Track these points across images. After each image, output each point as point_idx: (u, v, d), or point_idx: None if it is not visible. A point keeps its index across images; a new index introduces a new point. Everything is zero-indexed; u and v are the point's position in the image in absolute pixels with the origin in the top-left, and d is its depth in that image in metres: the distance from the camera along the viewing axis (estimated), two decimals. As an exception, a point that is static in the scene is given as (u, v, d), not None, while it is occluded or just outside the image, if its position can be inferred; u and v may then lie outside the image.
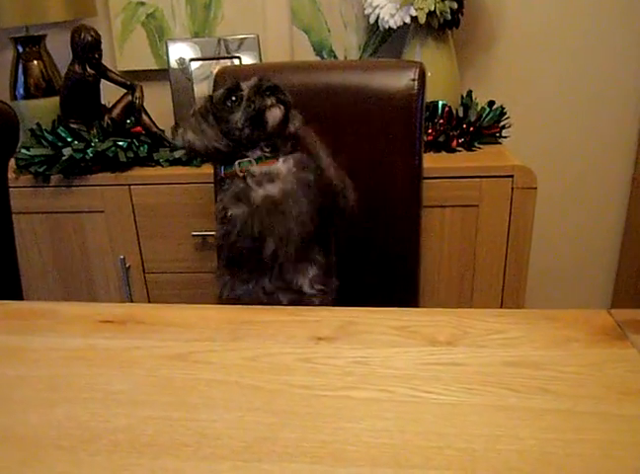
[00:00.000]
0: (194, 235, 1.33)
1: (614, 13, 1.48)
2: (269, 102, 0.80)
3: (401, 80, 0.95)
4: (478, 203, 1.26)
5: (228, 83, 0.85)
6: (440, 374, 0.55)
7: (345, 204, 0.84)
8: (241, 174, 0.84)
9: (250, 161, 0.84)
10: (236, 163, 0.84)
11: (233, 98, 0.83)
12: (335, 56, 1.53)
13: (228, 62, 1.46)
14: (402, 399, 0.52)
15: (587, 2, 1.48)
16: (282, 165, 0.85)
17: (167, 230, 1.35)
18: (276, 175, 0.82)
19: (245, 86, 0.84)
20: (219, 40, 1.47)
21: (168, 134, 1.41)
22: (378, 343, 0.61)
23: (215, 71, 1.05)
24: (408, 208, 0.99)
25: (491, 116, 1.37)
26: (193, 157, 1.33)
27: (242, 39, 1.46)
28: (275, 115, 0.81)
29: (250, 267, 0.83)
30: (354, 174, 0.94)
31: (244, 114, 0.81)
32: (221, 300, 0.84)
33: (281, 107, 0.81)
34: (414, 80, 0.95)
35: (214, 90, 1.04)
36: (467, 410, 0.50)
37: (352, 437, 0.47)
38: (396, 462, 0.45)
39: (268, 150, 0.85)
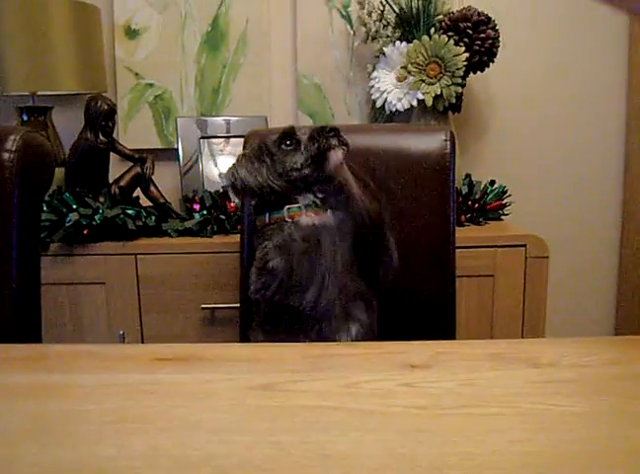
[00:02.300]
0: (203, 308, 1.26)
1: (596, 93, 1.63)
2: (333, 142, 0.80)
3: (434, 141, 0.98)
4: (493, 273, 1.27)
5: (282, 128, 0.85)
6: (558, 389, 0.51)
7: (389, 265, 0.82)
8: (289, 220, 0.81)
9: (300, 207, 0.82)
10: (285, 208, 0.82)
11: (288, 142, 0.82)
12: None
13: (238, 141, 1.48)
14: (531, 412, 0.47)
15: (565, 95, 1.63)
16: (331, 218, 0.83)
17: (173, 303, 1.28)
18: (323, 227, 0.80)
19: (300, 132, 0.84)
20: (228, 121, 1.51)
21: (175, 207, 1.39)
22: (478, 368, 0.56)
23: (246, 133, 1.06)
24: (442, 260, 0.97)
25: (494, 193, 1.43)
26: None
27: (251, 119, 1.50)
28: (337, 156, 0.81)
29: (289, 324, 0.78)
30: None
31: (305, 153, 0.81)
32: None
33: (344, 148, 0.81)
34: (446, 140, 0.98)
35: (244, 150, 1.04)
36: (608, 417, 0.46)
37: (500, 448, 0.42)
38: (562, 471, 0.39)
39: (320, 196, 0.84)
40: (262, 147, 0.83)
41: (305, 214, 0.81)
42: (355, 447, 0.43)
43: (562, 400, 0.49)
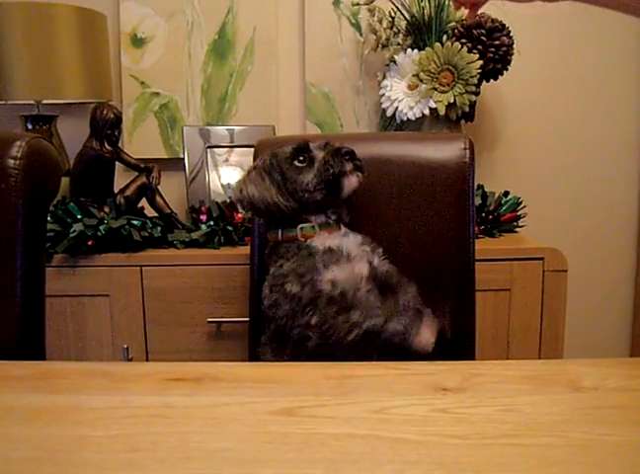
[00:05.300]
0: (209, 322, 1.22)
1: (612, 103, 1.60)
2: (348, 167, 0.77)
3: (453, 149, 0.95)
4: (510, 287, 1.23)
5: (295, 142, 0.81)
6: (606, 416, 0.47)
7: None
8: (302, 239, 0.78)
9: (313, 227, 0.79)
10: (298, 228, 0.79)
11: (301, 158, 0.79)
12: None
13: (245, 151, 1.45)
14: (582, 443, 0.43)
15: (580, 105, 1.60)
16: (347, 241, 0.80)
17: (178, 317, 1.24)
18: (341, 253, 0.77)
19: (314, 147, 0.81)
20: (235, 130, 1.47)
21: (181, 218, 1.35)
22: (516, 392, 0.52)
23: (256, 143, 1.03)
24: (460, 273, 0.93)
25: (509, 204, 1.39)
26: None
27: (258, 128, 1.47)
28: (352, 182, 0.78)
29: (295, 349, 0.75)
30: (404, 242, 0.92)
31: (318, 176, 0.77)
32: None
33: (359, 174, 0.78)
34: (465, 149, 0.95)
35: (255, 160, 1.01)
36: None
37: (556, 487, 0.38)
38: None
39: (333, 217, 0.81)
40: (273, 162, 0.79)
41: (319, 234, 0.79)
42: (393, 483, 0.39)
43: (613, 429, 0.45)
